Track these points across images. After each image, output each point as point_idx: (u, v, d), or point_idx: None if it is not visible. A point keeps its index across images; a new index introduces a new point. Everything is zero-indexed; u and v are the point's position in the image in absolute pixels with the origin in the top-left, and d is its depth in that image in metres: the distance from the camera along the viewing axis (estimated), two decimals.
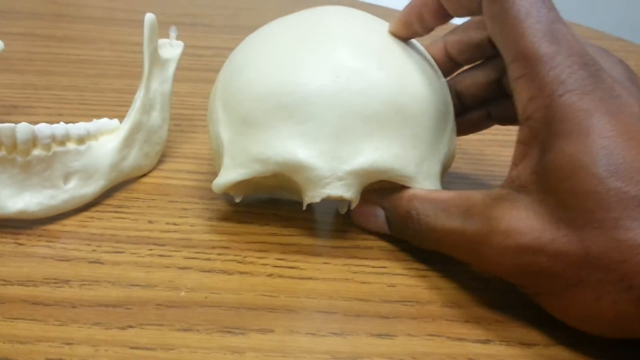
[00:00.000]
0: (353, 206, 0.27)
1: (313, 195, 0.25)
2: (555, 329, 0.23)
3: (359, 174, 0.25)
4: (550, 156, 0.21)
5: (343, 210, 0.29)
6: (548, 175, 0.21)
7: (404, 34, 0.28)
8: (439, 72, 0.29)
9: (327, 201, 0.29)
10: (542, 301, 0.23)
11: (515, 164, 0.23)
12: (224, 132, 0.27)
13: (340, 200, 0.29)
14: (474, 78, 0.31)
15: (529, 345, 0.23)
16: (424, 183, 0.26)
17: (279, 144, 0.25)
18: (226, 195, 0.30)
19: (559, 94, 0.21)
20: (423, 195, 0.25)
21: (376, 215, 0.27)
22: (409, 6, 0.28)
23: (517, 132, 0.23)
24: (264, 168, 0.25)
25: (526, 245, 0.21)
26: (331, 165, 0.25)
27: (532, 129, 0.22)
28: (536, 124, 0.22)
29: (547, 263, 0.21)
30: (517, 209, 0.22)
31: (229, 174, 0.26)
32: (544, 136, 0.22)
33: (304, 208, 0.27)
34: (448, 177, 0.34)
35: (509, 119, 0.31)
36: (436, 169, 0.27)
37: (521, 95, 0.23)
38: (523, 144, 0.23)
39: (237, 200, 0.29)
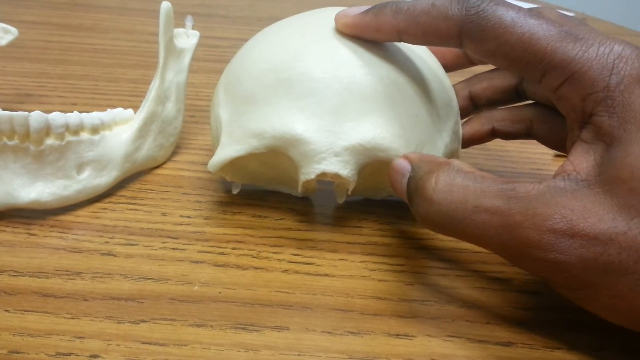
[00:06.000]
0: (350, 190, 0.26)
1: (308, 172, 0.25)
2: (578, 332, 0.23)
3: (356, 150, 0.24)
4: (619, 146, 0.20)
5: (341, 200, 0.28)
6: (616, 164, 0.20)
7: (348, 33, 0.26)
8: (442, 69, 0.29)
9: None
10: (593, 303, 0.20)
11: (570, 160, 0.21)
12: (224, 112, 0.27)
13: (337, 189, 0.28)
14: (491, 81, 0.31)
15: (552, 348, 0.22)
16: None
17: (276, 118, 0.25)
18: (227, 183, 0.29)
19: (614, 82, 0.20)
20: (455, 165, 0.22)
21: (403, 175, 0.23)
22: (365, 22, 0.25)
23: (581, 132, 0.22)
24: (259, 143, 0.25)
25: (597, 233, 0.19)
26: (328, 140, 0.24)
27: (597, 125, 0.21)
28: (601, 118, 0.20)
29: (618, 256, 0.19)
30: (580, 200, 0.20)
31: (225, 151, 0.26)
32: (609, 128, 0.20)
33: (300, 190, 0.26)
34: None
35: (514, 133, 0.30)
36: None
37: (572, 99, 0.21)
38: (586, 142, 0.21)
39: (235, 191, 0.29)
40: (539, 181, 0.21)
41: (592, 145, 0.21)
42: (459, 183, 0.21)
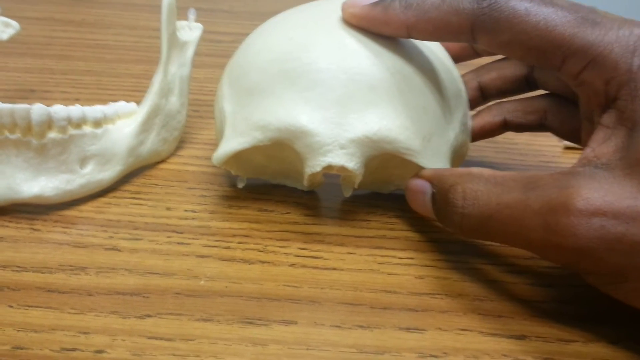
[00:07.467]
0: (357, 183, 0.26)
1: (313, 165, 0.24)
2: (594, 324, 0.22)
3: (362, 142, 0.24)
4: None
5: (348, 193, 0.28)
6: (638, 146, 0.19)
7: (355, 24, 0.25)
8: (450, 59, 0.28)
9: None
10: (622, 288, 0.20)
11: (592, 147, 0.21)
12: (228, 105, 0.26)
13: (344, 182, 0.28)
14: (500, 71, 0.30)
15: (566, 341, 0.22)
16: (432, 160, 0.25)
17: (280, 109, 0.24)
18: (232, 177, 0.29)
19: (636, 64, 0.20)
20: (475, 172, 0.22)
21: (424, 193, 0.24)
22: (373, 15, 0.25)
23: (601, 117, 0.21)
24: (264, 135, 0.24)
25: (617, 211, 0.18)
26: (333, 132, 0.24)
27: (620, 110, 0.20)
28: (624, 102, 0.20)
29: None
30: (598, 181, 0.19)
31: (229, 144, 0.25)
32: (631, 112, 0.20)
33: (305, 183, 0.26)
34: (476, 166, 0.33)
35: (527, 124, 0.30)
36: (445, 148, 0.26)
37: (594, 84, 0.21)
38: (608, 127, 0.21)
39: (240, 185, 0.29)
40: (557, 171, 0.20)
41: (614, 131, 0.20)
42: (482, 188, 0.21)
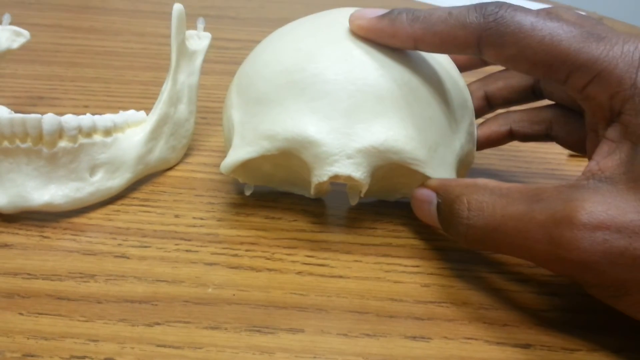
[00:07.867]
0: (363, 192, 0.26)
1: (320, 174, 0.24)
2: (598, 333, 0.22)
3: (369, 152, 0.24)
4: None
5: (354, 202, 0.28)
6: None
7: (362, 36, 0.26)
8: (456, 69, 0.29)
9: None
10: (624, 301, 0.20)
11: (596, 160, 0.21)
12: (236, 114, 0.27)
13: (350, 190, 0.28)
14: (507, 81, 0.30)
15: (571, 350, 0.22)
16: (438, 170, 0.25)
17: (288, 120, 0.25)
18: (239, 185, 0.29)
19: None
20: (481, 184, 0.22)
21: (430, 202, 0.24)
22: (380, 28, 0.25)
23: (606, 131, 0.21)
24: (272, 145, 0.25)
25: (620, 225, 0.19)
26: (340, 142, 0.24)
27: (624, 124, 0.20)
28: (628, 117, 0.20)
29: None
30: (602, 195, 0.20)
31: (237, 153, 0.26)
32: (635, 127, 0.20)
33: (312, 192, 0.26)
34: (482, 174, 0.33)
35: (533, 134, 0.30)
36: (451, 158, 0.26)
37: (598, 98, 0.21)
38: (612, 141, 0.21)
39: (248, 192, 0.29)
40: (562, 183, 0.21)
41: (618, 145, 0.20)
42: (488, 200, 0.22)
